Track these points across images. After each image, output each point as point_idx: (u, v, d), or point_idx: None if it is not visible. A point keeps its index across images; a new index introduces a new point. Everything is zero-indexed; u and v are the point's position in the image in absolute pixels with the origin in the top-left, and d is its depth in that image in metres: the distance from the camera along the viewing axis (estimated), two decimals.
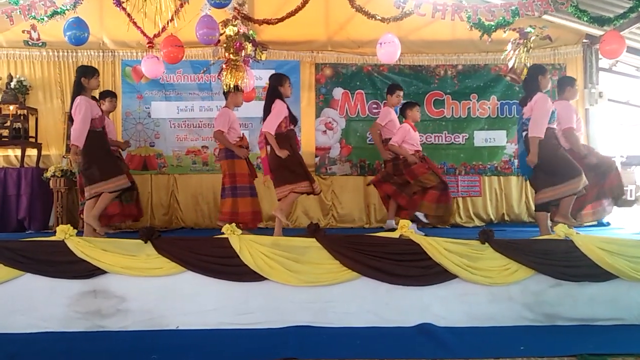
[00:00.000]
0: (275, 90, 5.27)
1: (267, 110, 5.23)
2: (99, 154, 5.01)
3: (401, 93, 6.46)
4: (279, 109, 5.13)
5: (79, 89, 5.02)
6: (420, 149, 6.11)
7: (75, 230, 4.13)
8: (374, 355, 3.38)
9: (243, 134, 6.02)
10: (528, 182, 5.20)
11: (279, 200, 5.28)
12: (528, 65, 5.38)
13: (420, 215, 5.77)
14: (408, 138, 5.95)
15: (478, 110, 7.61)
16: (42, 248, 4.07)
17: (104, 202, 5.02)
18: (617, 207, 5.71)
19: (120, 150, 6.52)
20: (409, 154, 5.88)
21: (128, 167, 6.63)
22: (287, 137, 5.16)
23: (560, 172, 4.90)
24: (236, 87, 5.71)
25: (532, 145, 4.88)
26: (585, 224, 5.88)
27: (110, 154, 5.36)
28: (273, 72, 6.78)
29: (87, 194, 5.07)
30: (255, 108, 6.87)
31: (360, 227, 7.30)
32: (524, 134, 5.09)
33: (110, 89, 6.77)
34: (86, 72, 5.09)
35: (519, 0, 5.55)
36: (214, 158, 7.28)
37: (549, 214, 5.04)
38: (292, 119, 5.27)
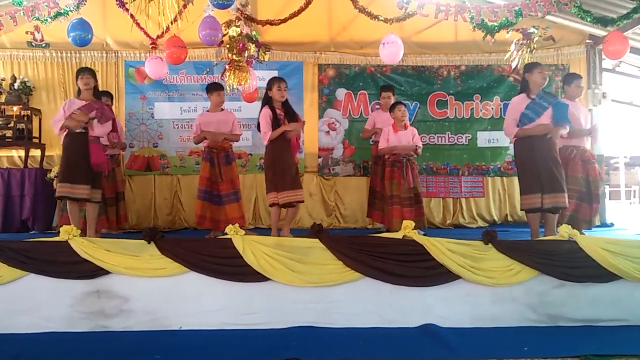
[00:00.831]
0: (265, 96, 5.39)
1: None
2: (65, 155, 5.14)
3: (386, 94, 6.56)
4: (262, 117, 5.30)
5: (77, 93, 5.28)
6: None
7: (79, 231, 4.13)
8: (377, 356, 3.38)
9: None
10: None
11: (270, 205, 5.41)
12: None
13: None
14: (390, 140, 5.97)
15: (481, 111, 7.61)
16: (45, 248, 4.07)
17: (92, 213, 5.21)
18: None
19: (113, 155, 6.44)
20: (399, 147, 5.91)
21: (113, 173, 6.42)
22: (272, 142, 5.26)
23: (521, 183, 5.04)
24: (212, 88, 5.89)
25: None
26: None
27: (78, 159, 5.05)
28: (276, 72, 6.83)
29: None
30: (258, 109, 6.85)
31: (363, 228, 7.30)
32: None
33: (107, 90, 6.77)
34: (76, 75, 5.33)
35: (522, 0, 5.55)
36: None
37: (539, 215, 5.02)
38: (275, 123, 5.25)
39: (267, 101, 5.32)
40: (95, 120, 5.08)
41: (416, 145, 5.94)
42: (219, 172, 5.66)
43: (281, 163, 5.24)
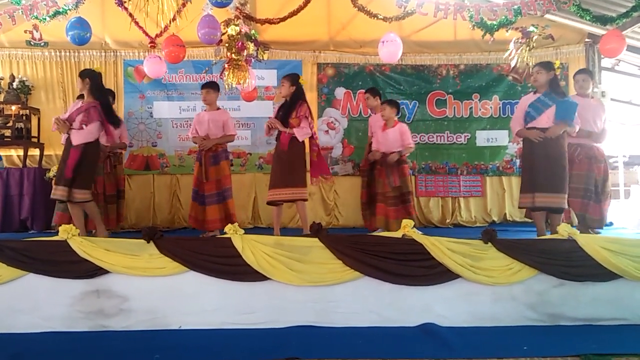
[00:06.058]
0: (300, 90, 5.50)
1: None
2: (88, 161, 5.06)
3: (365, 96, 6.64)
4: (307, 114, 5.44)
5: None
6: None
7: (78, 230, 4.12)
8: (376, 355, 3.37)
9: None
10: None
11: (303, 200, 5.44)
12: (530, 64, 5.37)
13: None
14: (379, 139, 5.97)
15: (480, 110, 7.61)
16: (44, 248, 4.06)
17: (90, 210, 5.17)
18: None
19: (115, 152, 6.40)
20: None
21: (115, 171, 6.37)
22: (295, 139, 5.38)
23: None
24: (202, 86, 5.89)
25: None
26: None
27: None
28: (275, 72, 6.81)
29: None
30: (257, 108, 6.89)
31: (363, 227, 7.28)
32: None
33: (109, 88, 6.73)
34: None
35: None
36: None
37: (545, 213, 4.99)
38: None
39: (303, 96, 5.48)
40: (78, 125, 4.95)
41: (399, 151, 5.76)
42: (205, 172, 5.69)
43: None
